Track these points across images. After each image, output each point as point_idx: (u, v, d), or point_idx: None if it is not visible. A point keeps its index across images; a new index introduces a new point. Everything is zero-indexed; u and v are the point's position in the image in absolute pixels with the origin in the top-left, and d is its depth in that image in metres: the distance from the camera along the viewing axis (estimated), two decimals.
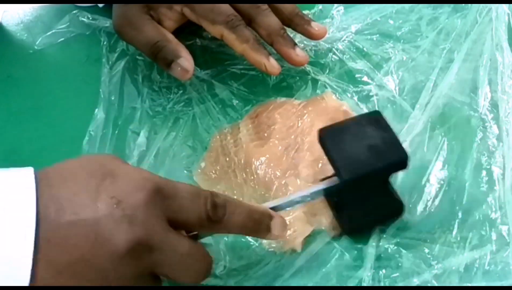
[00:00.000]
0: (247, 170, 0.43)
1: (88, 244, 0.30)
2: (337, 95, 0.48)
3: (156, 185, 0.32)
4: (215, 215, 0.33)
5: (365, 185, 0.37)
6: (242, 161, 0.44)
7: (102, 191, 0.31)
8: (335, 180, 0.37)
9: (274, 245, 0.40)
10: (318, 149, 0.38)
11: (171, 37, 0.48)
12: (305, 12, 0.54)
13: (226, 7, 0.46)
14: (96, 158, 0.34)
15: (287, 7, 0.48)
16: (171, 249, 0.32)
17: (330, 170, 0.40)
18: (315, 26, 0.48)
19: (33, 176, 0.31)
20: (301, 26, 0.48)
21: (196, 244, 0.33)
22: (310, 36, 0.49)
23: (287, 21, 0.48)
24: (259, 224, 0.35)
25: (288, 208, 0.38)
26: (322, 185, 0.38)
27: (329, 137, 0.37)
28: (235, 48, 0.47)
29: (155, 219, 0.31)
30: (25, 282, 0.29)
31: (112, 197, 0.31)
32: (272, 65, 0.46)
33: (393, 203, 0.40)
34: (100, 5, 0.55)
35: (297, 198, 0.37)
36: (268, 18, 0.47)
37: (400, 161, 0.36)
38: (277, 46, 0.47)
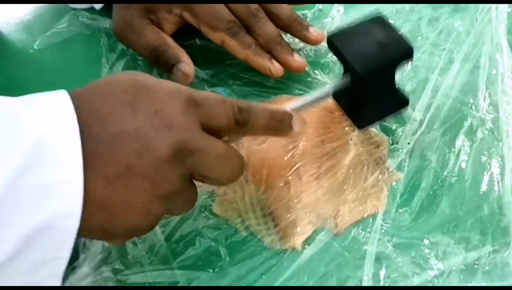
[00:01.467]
0: (249, 169, 0.43)
1: (132, 153, 0.31)
2: None
3: (188, 93, 0.34)
4: (242, 118, 0.35)
5: (377, 79, 0.40)
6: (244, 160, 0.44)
7: (139, 102, 0.32)
8: (345, 80, 0.40)
9: (274, 245, 0.40)
10: (319, 147, 0.38)
11: (171, 41, 0.48)
12: (305, 12, 0.54)
13: (226, 14, 0.47)
14: (127, 74, 0.36)
15: (284, 12, 0.48)
16: (208, 151, 0.34)
17: (331, 167, 0.40)
18: (313, 31, 0.49)
19: (69, 97, 0.32)
20: (299, 31, 0.49)
21: (229, 146, 0.36)
22: (308, 41, 0.49)
23: (285, 27, 0.49)
24: (281, 122, 0.38)
25: (305, 109, 0.41)
26: (331, 85, 0.41)
27: (338, 40, 0.40)
28: (237, 54, 0.47)
29: (191, 124, 0.33)
30: (79, 196, 0.30)
31: (150, 107, 0.32)
32: (276, 67, 0.47)
33: (400, 96, 0.43)
34: (97, 6, 0.55)
35: (313, 98, 0.40)
36: (266, 27, 0.47)
37: (407, 51, 0.40)
38: (275, 54, 0.47)
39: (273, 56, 0.47)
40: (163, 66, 0.47)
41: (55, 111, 0.31)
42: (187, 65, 0.47)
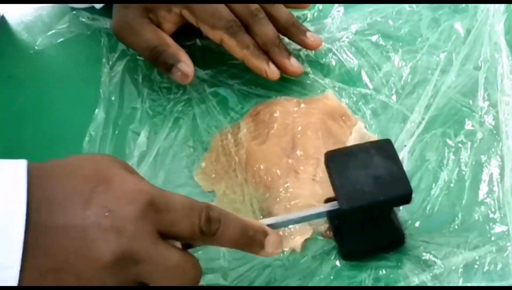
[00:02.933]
0: (248, 169, 0.43)
1: (73, 250, 0.30)
2: (337, 96, 0.48)
3: (149, 197, 0.32)
4: (208, 229, 0.33)
5: (366, 214, 0.37)
6: (243, 161, 0.44)
7: (94, 198, 0.31)
8: (336, 204, 0.36)
9: None
10: (318, 148, 0.38)
11: (170, 41, 0.48)
12: (305, 12, 0.54)
13: (226, 13, 0.47)
14: (95, 159, 0.34)
15: (283, 16, 0.48)
16: (158, 262, 0.31)
17: None
18: (311, 36, 0.49)
19: (25, 173, 0.30)
20: (296, 35, 0.49)
21: (185, 256, 0.33)
22: (305, 46, 0.49)
23: (283, 30, 0.49)
24: (252, 240, 0.35)
25: (287, 226, 0.38)
26: (322, 208, 0.37)
27: (335, 162, 0.37)
28: (235, 53, 0.47)
29: (144, 232, 0.31)
30: (15, 281, 0.29)
31: (103, 206, 0.31)
32: (272, 70, 0.47)
33: (394, 233, 0.39)
34: (97, 6, 0.55)
35: (297, 218, 0.37)
36: (265, 27, 0.47)
37: (403, 196, 0.36)
38: (272, 56, 0.47)
39: (270, 57, 0.47)
40: (162, 66, 0.47)
41: (6, 189, 0.30)
42: (186, 65, 0.46)
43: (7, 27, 0.57)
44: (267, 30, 0.47)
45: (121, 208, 0.31)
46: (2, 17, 0.57)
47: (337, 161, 0.37)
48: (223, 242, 0.34)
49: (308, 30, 0.49)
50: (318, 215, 0.37)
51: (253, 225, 0.35)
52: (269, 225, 0.36)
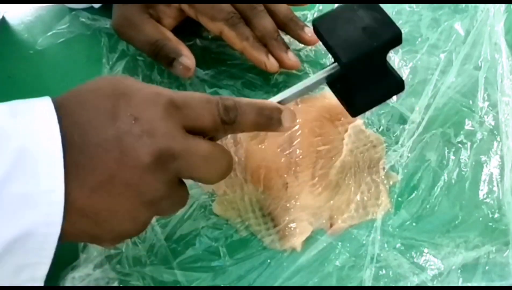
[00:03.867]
0: (247, 169, 0.44)
1: (114, 162, 0.32)
2: None
3: (169, 98, 0.34)
4: (228, 118, 0.35)
5: (365, 66, 0.38)
6: (242, 160, 0.44)
7: (119, 110, 0.32)
8: (335, 66, 0.38)
9: (274, 245, 0.40)
10: (316, 146, 0.38)
11: (170, 35, 0.48)
12: (305, 12, 0.54)
13: (226, 5, 0.47)
14: (108, 80, 0.35)
15: (281, 11, 0.49)
16: (192, 153, 0.33)
17: (327, 167, 0.40)
18: (308, 32, 0.49)
19: (52, 105, 0.32)
20: (294, 31, 0.49)
21: (215, 145, 0.35)
22: (303, 41, 0.49)
23: (281, 25, 0.49)
24: (270, 118, 0.37)
25: (295, 99, 0.40)
26: (323, 73, 0.39)
27: (324, 26, 0.38)
28: (234, 45, 0.47)
29: (172, 129, 0.33)
30: (60, 205, 0.30)
31: (130, 114, 0.32)
32: (271, 63, 0.47)
33: (394, 80, 0.40)
34: (96, 6, 0.55)
35: (302, 88, 0.39)
36: (264, 20, 0.47)
37: (394, 37, 0.38)
38: (270, 49, 0.47)
39: (268, 50, 0.47)
40: (163, 60, 0.47)
41: (38, 120, 0.31)
42: (187, 58, 0.47)
43: (7, 27, 0.57)
44: (266, 23, 0.47)
45: (146, 112, 0.33)
46: (3, 17, 0.57)
47: (326, 24, 0.38)
48: (244, 126, 0.36)
49: (307, 26, 0.49)
50: (320, 82, 0.39)
51: (267, 105, 0.37)
52: (279, 102, 0.38)
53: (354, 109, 0.40)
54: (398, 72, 0.41)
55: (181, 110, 0.34)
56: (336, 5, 0.53)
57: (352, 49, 0.37)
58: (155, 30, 0.48)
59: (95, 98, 0.33)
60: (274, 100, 0.38)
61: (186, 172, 0.34)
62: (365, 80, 0.39)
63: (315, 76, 0.39)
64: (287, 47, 0.48)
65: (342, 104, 0.41)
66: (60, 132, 0.31)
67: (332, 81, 0.40)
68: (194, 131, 0.34)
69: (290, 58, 0.47)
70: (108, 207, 0.32)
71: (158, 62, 0.49)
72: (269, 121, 0.37)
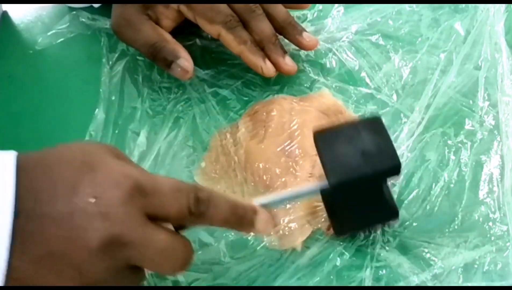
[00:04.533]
0: (247, 168, 0.44)
1: (62, 237, 0.30)
2: (337, 95, 0.48)
3: (135, 181, 0.32)
4: (197, 210, 0.33)
5: (356, 189, 0.37)
6: (242, 160, 0.44)
7: (81, 185, 0.31)
8: (326, 181, 0.36)
9: (274, 245, 0.40)
10: (314, 147, 0.38)
11: (169, 37, 0.48)
12: (305, 12, 0.54)
13: (224, 7, 0.47)
14: (83, 146, 0.34)
15: (280, 15, 0.48)
16: (146, 244, 0.32)
17: None
18: (306, 36, 0.48)
19: (13, 164, 0.31)
20: (292, 35, 0.49)
21: (175, 237, 0.33)
22: (301, 46, 0.49)
23: (279, 29, 0.48)
24: (242, 219, 0.35)
25: (279, 205, 0.38)
26: (313, 186, 0.37)
27: (323, 139, 0.37)
28: (232, 48, 0.47)
29: (131, 215, 0.31)
30: (1, 271, 0.29)
31: (89, 193, 0.31)
32: (268, 67, 0.47)
33: (387, 208, 0.39)
34: (96, 5, 0.55)
35: (288, 196, 0.38)
36: (262, 24, 0.47)
37: (391, 168, 0.36)
38: (267, 53, 0.47)
39: (265, 54, 0.47)
40: (161, 62, 0.47)
41: None
42: (186, 60, 0.46)
43: (7, 27, 0.57)
44: (264, 27, 0.47)
45: (107, 193, 0.31)
46: (4, 13, 0.57)
47: (325, 138, 0.37)
48: (214, 221, 0.35)
49: (305, 30, 0.49)
50: (309, 194, 0.38)
51: (242, 204, 0.36)
52: (264, 205, 0.36)
53: (339, 229, 0.39)
54: (399, 72, 0.41)
55: (147, 197, 0.32)
56: (336, 5, 0.54)
57: (343, 172, 0.35)
58: (153, 32, 0.47)
59: (60, 167, 0.32)
60: (257, 201, 0.37)
61: (138, 261, 0.32)
62: (356, 203, 0.38)
63: (306, 187, 0.38)
64: (284, 51, 0.48)
65: (330, 220, 0.40)
66: (16, 194, 0.30)
67: (325, 195, 0.39)
68: (158, 219, 0.33)
69: (287, 63, 0.47)
70: (46, 282, 0.31)
71: (157, 64, 0.49)
72: (241, 221, 0.35)
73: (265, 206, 0.37)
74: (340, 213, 0.39)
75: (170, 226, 0.34)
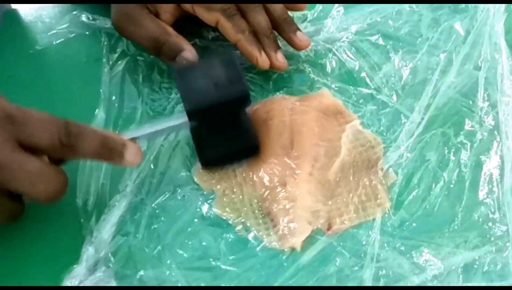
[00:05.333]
0: (247, 168, 0.44)
1: None
2: (337, 96, 0.48)
3: (7, 111, 0.35)
4: (68, 141, 0.36)
5: (212, 119, 0.40)
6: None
7: None
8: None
9: (274, 245, 0.40)
10: (315, 146, 0.38)
11: (171, 30, 0.48)
12: (305, 12, 0.54)
13: None
14: None
15: (276, 10, 0.48)
16: (17, 167, 0.34)
17: (325, 168, 0.40)
18: (300, 36, 0.48)
19: None
20: (286, 32, 0.48)
21: (47, 165, 0.36)
22: (293, 44, 0.49)
23: (274, 24, 0.48)
24: (112, 150, 0.38)
25: (149, 138, 0.42)
26: (177, 118, 0.41)
27: (182, 75, 0.41)
28: (229, 37, 0.47)
29: (1, 140, 0.34)
30: None
31: None
32: (263, 59, 0.47)
33: (247, 140, 0.43)
34: None
35: (156, 130, 0.41)
36: (259, 16, 0.47)
37: (240, 96, 0.40)
38: (261, 45, 0.47)
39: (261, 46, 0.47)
40: (165, 55, 0.47)
41: None
42: (190, 52, 0.47)
43: (7, 27, 0.57)
44: (261, 19, 0.47)
45: None
46: (3, 17, 0.57)
47: (184, 74, 0.41)
48: (84, 153, 0.37)
49: (299, 30, 0.48)
50: (176, 127, 0.42)
51: (112, 137, 0.38)
52: (133, 138, 0.40)
53: (203, 160, 0.42)
54: (398, 72, 0.41)
55: (17, 125, 0.35)
56: (336, 5, 0.54)
57: (197, 100, 0.39)
58: (155, 25, 0.47)
59: None
60: (127, 134, 0.40)
61: (10, 185, 0.35)
62: (215, 134, 0.41)
63: (176, 119, 0.41)
64: (278, 46, 0.47)
65: (197, 153, 0.43)
66: None
67: (193, 128, 0.42)
68: (30, 148, 0.35)
69: (278, 58, 0.47)
70: None
71: (160, 58, 0.49)
72: (111, 153, 0.38)
73: (135, 139, 0.40)
74: (203, 145, 0.42)
75: (46, 159, 0.37)
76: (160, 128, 0.41)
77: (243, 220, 0.42)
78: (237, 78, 0.40)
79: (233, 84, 0.40)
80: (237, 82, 0.40)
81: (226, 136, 0.42)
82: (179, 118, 0.41)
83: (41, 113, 0.36)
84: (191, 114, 0.40)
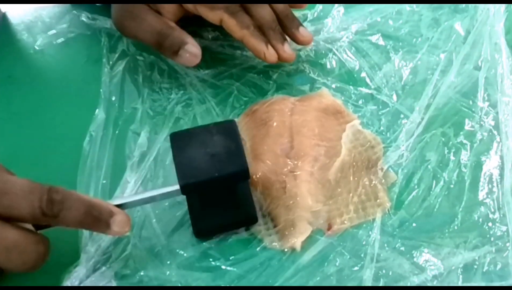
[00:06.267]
0: None
1: None
2: (338, 96, 0.48)
3: None
4: (50, 211, 0.34)
5: (208, 191, 0.38)
6: None
7: None
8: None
9: (274, 245, 0.40)
10: (315, 146, 0.38)
11: (173, 24, 0.48)
12: (305, 12, 0.54)
13: None
14: None
15: (278, 7, 0.48)
16: None
17: (325, 168, 0.39)
18: (303, 32, 0.48)
19: None
20: (289, 28, 0.48)
21: (25, 235, 0.34)
22: (295, 40, 0.48)
23: (277, 21, 0.48)
24: (98, 220, 0.36)
25: (138, 205, 0.39)
26: (169, 188, 0.38)
27: (178, 142, 0.38)
28: (234, 33, 0.47)
29: None
30: None
31: None
32: (270, 53, 0.46)
33: (243, 212, 0.40)
34: None
35: (146, 198, 0.38)
36: (263, 10, 0.47)
37: (238, 172, 0.37)
38: (267, 39, 0.47)
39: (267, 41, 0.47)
40: (168, 50, 0.47)
41: None
42: (193, 46, 0.46)
43: (7, 27, 0.57)
44: (265, 12, 0.47)
45: None
46: (3, 17, 0.57)
47: (179, 140, 0.38)
48: (68, 222, 0.35)
49: (302, 25, 0.48)
50: (167, 195, 0.38)
51: (98, 205, 0.36)
52: (118, 206, 0.37)
53: (196, 230, 0.40)
54: (399, 72, 0.41)
55: None
56: (336, 5, 0.54)
57: (192, 174, 0.36)
58: (158, 20, 0.47)
59: None
60: (114, 202, 0.37)
61: None
62: (211, 205, 0.39)
63: (166, 188, 0.38)
64: (284, 38, 0.47)
65: (191, 221, 0.40)
66: None
67: (188, 197, 0.40)
68: (11, 219, 0.34)
69: (286, 50, 0.47)
70: None
71: (163, 53, 0.48)
72: (96, 222, 0.36)
73: (121, 207, 0.37)
74: (197, 215, 0.40)
75: (30, 225, 0.35)
76: (149, 195, 0.38)
77: None
78: (236, 151, 0.37)
79: (231, 158, 0.37)
80: (235, 155, 0.37)
81: (222, 208, 0.40)
82: (173, 186, 0.38)
83: (23, 180, 0.34)
84: (184, 189, 0.37)
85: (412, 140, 0.45)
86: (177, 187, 0.37)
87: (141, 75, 0.51)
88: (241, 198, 0.40)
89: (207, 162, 0.37)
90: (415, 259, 0.38)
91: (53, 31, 0.56)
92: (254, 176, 0.43)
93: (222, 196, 0.39)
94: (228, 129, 0.38)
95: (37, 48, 0.55)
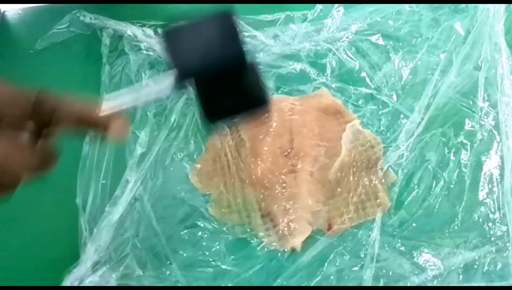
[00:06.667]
0: (246, 169, 0.44)
1: None
2: (338, 96, 0.48)
3: None
4: (42, 107, 0.34)
5: (212, 78, 0.36)
6: (241, 161, 0.44)
7: None
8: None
9: (274, 245, 0.40)
10: (315, 145, 0.38)
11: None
12: (305, 12, 0.54)
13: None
14: None
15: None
16: None
17: (325, 168, 0.39)
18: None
19: None
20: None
21: (17, 146, 0.33)
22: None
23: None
24: (96, 118, 0.35)
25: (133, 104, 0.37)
26: (164, 80, 0.36)
27: (171, 37, 0.36)
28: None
29: None
30: None
31: None
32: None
33: (253, 95, 0.38)
34: None
35: (147, 95, 0.36)
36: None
37: (235, 59, 0.36)
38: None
39: None
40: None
41: None
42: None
43: (7, 27, 0.57)
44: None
45: None
46: (3, 17, 0.57)
47: (174, 35, 0.36)
48: (64, 117, 0.35)
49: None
50: (162, 90, 0.36)
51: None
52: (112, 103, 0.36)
53: (209, 116, 0.38)
54: (398, 72, 0.40)
55: None
56: (335, 5, 0.54)
57: (188, 67, 0.35)
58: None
59: None
60: (107, 104, 0.36)
61: None
62: (219, 92, 0.38)
63: (160, 82, 0.36)
64: None
65: (202, 109, 0.39)
66: None
67: (196, 84, 0.38)
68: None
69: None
70: None
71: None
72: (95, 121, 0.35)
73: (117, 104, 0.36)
74: (208, 101, 0.38)
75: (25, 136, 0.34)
76: (143, 94, 0.36)
77: (243, 220, 0.42)
78: (233, 40, 0.35)
79: (228, 46, 0.35)
80: (232, 43, 0.35)
81: (230, 93, 0.38)
82: (162, 80, 0.36)
83: (11, 84, 0.34)
84: (182, 80, 0.35)
85: (412, 140, 0.45)
86: (170, 81, 0.36)
87: (141, 75, 0.51)
88: (249, 83, 0.38)
89: (203, 52, 0.35)
90: (415, 259, 0.38)
91: (53, 31, 0.56)
92: (254, 176, 0.43)
93: (226, 83, 0.37)
94: (224, 19, 0.36)
95: (37, 48, 0.55)
